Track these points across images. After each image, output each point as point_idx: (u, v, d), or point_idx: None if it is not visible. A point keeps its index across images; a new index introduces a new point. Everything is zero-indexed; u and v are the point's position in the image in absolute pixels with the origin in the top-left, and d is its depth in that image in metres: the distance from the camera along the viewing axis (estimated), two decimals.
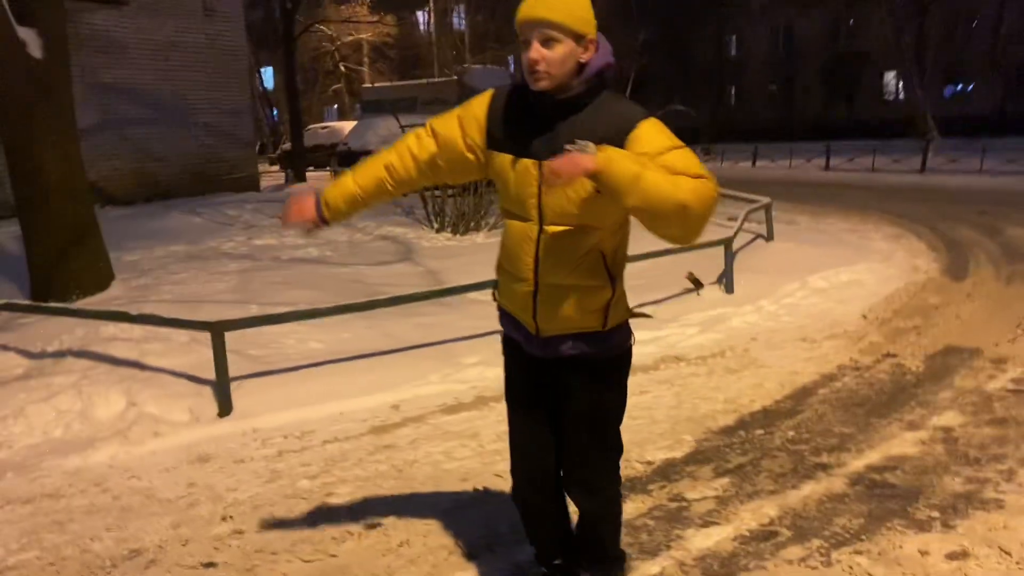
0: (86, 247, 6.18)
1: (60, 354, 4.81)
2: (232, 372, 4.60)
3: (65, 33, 6.10)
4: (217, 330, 4.26)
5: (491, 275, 2.45)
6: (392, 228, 10.81)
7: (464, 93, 21.21)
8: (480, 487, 3.52)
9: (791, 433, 3.99)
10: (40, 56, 5.81)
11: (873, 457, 3.68)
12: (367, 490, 3.52)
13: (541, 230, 2.12)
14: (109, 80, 13.18)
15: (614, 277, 2.20)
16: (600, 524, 2.50)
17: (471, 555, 2.98)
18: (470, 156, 2.23)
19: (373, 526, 3.21)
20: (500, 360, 2.85)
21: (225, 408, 4.28)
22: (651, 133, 2.02)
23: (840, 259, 7.56)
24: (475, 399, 4.58)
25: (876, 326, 5.76)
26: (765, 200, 8.83)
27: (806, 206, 12.61)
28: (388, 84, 26.79)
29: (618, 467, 2.46)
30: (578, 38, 2.02)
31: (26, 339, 5.06)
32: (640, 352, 5.01)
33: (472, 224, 10.81)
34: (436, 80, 24.83)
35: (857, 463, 3.63)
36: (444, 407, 4.46)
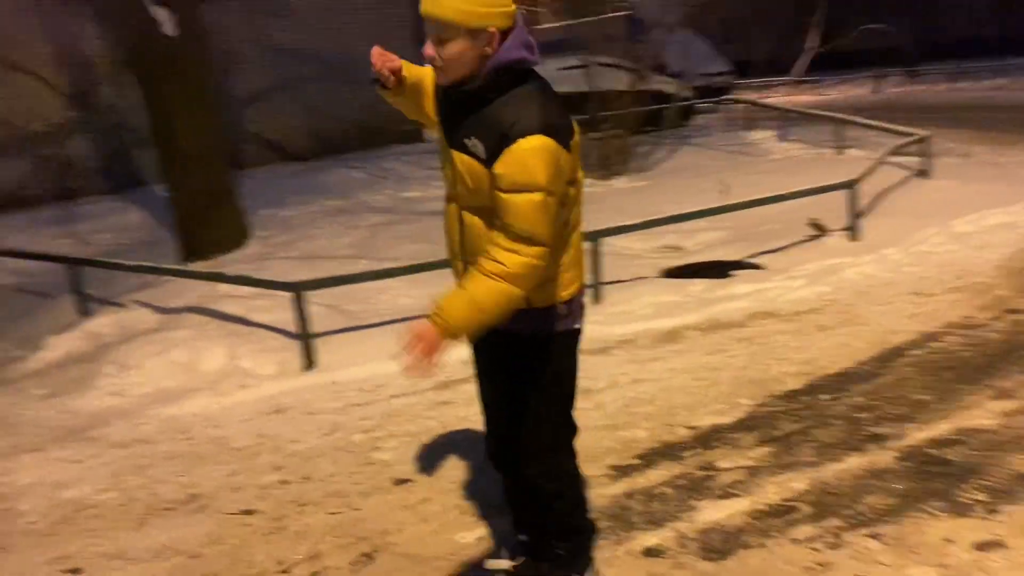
0: (222, 209, 6.75)
1: (183, 310, 5.33)
2: (327, 327, 4.93)
3: (199, 13, 6.57)
4: (297, 290, 4.56)
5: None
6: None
7: (634, 29, 20.64)
8: None
9: (859, 399, 3.73)
10: (173, 34, 6.31)
11: (940, 429, 3.39)
12: (411, 446, 3.69)
13: (460, 212, 2.20)
14: (281, 42, 14.00)
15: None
16: (524, 489, 2.52)
17: (481, 515, 3.08)
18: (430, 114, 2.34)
19: (402, 481, 3.38)
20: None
21: (308, 362, 4.59)
22: (518, 160, 1.96)
23: (1000, 198, 6.78)
24: None
25: (1010, 278, 5.17)
26: (920, 134, 8.03)
27: (992, 134, 11.31)
28: (556, 24, 26.48)
29: (556, 444, 2.43)
30: (474, 34, 1.99)
31: (163, 296, 5.63)
32: (731, 308, 4.94)
33: (615, 169, 10.66)
34: (603, 16, 24.24)
35: (918, 435, 3.36)
36: None
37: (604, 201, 8.78)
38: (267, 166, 13.62)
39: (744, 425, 3.60)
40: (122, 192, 11.38)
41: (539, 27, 26.68)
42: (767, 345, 4.47)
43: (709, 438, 3.52)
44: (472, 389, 4.11)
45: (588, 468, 3.27)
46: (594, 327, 4.68)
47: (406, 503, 3.22)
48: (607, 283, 5.50)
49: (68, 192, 11.46)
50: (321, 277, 4.96)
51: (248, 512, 3.26)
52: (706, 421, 3.67)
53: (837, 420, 3.56)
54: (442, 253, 5.45)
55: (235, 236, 6.84)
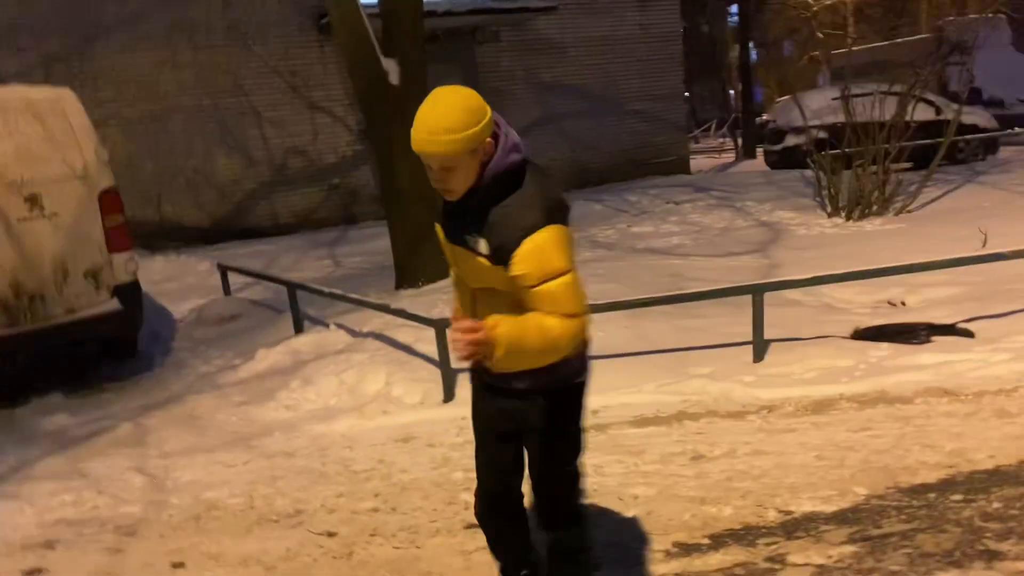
0: (430, 242, 7.22)
1: (368, 335, 5.83)
2: None
3: (424, 62, 7.15)
4: (439, 326, 4.82)
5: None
6: (783, 212, 10.34)
7: (944, 50, 18.74)
8: (593, 504, 3.52)
9: (995, 506, 3.18)
10: (397, 83, 6.94)
11: None
12: None
13: (472, 291, 2.36)
14: (548, 79, 14.66)
15: None
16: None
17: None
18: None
19: (471, 527, 3.46)
20: (728, 373, 4.06)
21: (448, 395, 4.83)
22: (535, 255, 2.10)
23: None
24: (674, 413, 4.45)
25: None
26: None
27: None
28: (861, 47, 24.76)
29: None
30: (472, 152, 2.12)
31: (359, 320, 6.20)
32: (906, 380, 4.45)
33: (872, 208, 9.80)
34: (911, 39, 22.25)
35: None
36: (636, 419, 4.43)
37: (840, 244, 8.18)
38: None
39: (843, 517, 3.23)
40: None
41: (841, 51, 25.21)
42: (924, 428, 3.93)
43: (797, 526, 3.20)
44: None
45: (652, 541, 3.17)
46: (742, 388, 4.48)
47: (463, 549, 3.30)
48: (781, 340, 5.14)
49: (350, 217, 12.92)
50: None
51: (330, 534, 3.54)
52: (805, 507, 3.34)
53: (955, 527, 3.06)
54: (621, 295, 5.60)
55: (441, 268, 7.31)
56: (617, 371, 5.00)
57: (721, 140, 27.76)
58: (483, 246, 2.18)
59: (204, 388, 5.64)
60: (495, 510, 2.62)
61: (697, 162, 22.36)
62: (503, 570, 2.76)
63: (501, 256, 2.14)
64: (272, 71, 12.34)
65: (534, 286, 2.12)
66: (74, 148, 5.45)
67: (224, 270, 7.81)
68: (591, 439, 4.17)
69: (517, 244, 2.11)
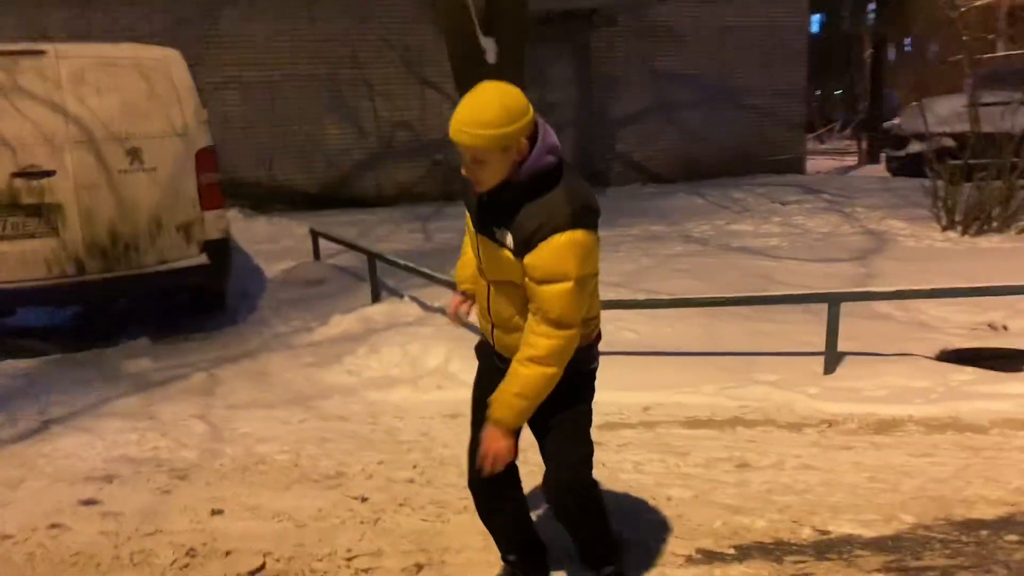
0: None
1: (439, 310, 5.90)
2: None
3: (522, 43, 7.14)
4: None
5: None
6: (895, 222, 9.82)
7: None
8: (625, 502, 3.45)
9: None
10: (493, 62, 6.95)
11: None
12: (535, 477, 3.74)
13: (488, 286, 2.45)
14: (664, 67, 14.36)
15: None
16: (576, 514, 2.67)
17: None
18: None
19: None
20: (794, 383, 4.19)
21: None
22: (552, 254, 2.17)
23: None
24: (729, 418, 4.31)
25: None
26: None
27: None
28: (1010, 53, 23.18)
29: (585, 459, 2.62)
30: (506, 149, 2.15)
31: (433, 295, 6.28)
32: (985, 408, 4.21)
33: (991, 223, 9.18)
34: None
35: None
36: (688, 420, 4.31)
37: (948, 260, 7.73)
38: (628, 186, 14.11)
39: (883, 544, 3.06)
40: None
41: (988, 56, 23.73)
42: (992, 460, 3.67)
43: (830, 548, 3.06)
44: (631, 436, 4.09)
45: (675, 545, 3.09)
46: (805, 399, 4.31)
47: (480, 529, 3.29)
48: (858, 353, 4.91)
49: (448, 194, 13.06)
50: None
51: (363, 499, 3.60)
52: (843, 528, 3.18)
53: (1002, 568, 2.86)
54: (700, 292, 5.51)
55: None
56: (679, 369, 4.89)
57: (848, 142, 26.57)
58: (508, 239, 2.25)
59: (278, 347, 5.84)
60: (488, 487, 2.67)
61: (817, 163, 21.54)
62: (508, 551, 2.81)
63: (521, 250, 2.22)
64: (387, 45, 12.57)
65: (536, 282, 2.23)
66: (175, 106, 5.70)
67: (315, 235, 8.04)
68: (638, 435, 4.13)
69: (540, 240, 2.18)
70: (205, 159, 5.83)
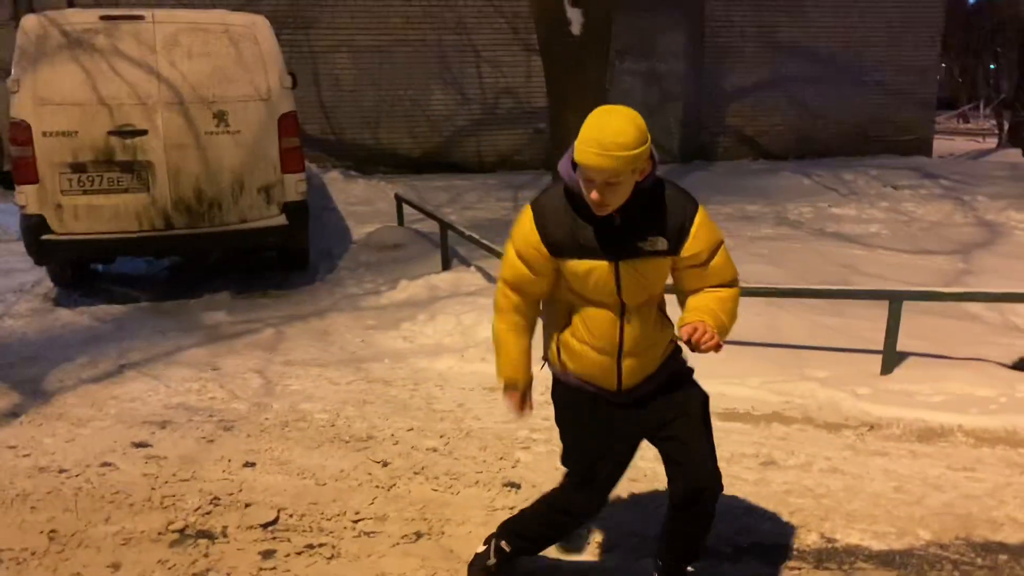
0: None
1: None
2: None
3: (609, 15, 7.00)
4: None
5: None
6: (1015, 214, 9.20)
7: None
8: (633, 493, 3.44)
9: None
10: (578, 33, 6.85)
11: None
12: (554, 456, 3.77)
13: (624, 313, 2.36)
14: (783, 39, 13.79)
15: (668, 316, 2.51)
16: (711, 519, 2.57)
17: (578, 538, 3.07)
18: (548, 276, 2.39)
19: (510, 485, 3.52)
20: (845, 381, 4.18)
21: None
22: (704, 231, 2.30)
23: None
24: (768, 413, 4.19)
25: None
26: None
27: None
28: None
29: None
30: (635, 170, 2.15)
31: (497, 266, 6.33)
32: None
33: None
34: None
35: None
36: (725, 412, 4.21)
37: None
38: (736, 160, 13.72)
39: (889, 558, 2.94)
40: None
41: None
42: None
43: (831, 557, 2.96)
44: None
45: None
46: (852, 400, 4.17)
47: (491, 505, 3.37)
48: (923, 355, 4.67)
49: (549, 163, 13.05)
50: None
51: (384, 464, 3.74)
52: (852, 538, 3.07)
53: None
54: (774, 279, 5.39)
55: None
56: (728, 359, 4.70)
57: (991, 123, 24.82)
58: (661, 243, 2.27)
59: (346, 307, 6.05)
60: (586, 517, 2.70)
61: (951, 144, 20.29)
62: (521, 549, 2.79)
63: (676, 246, 2.28)
64: (496, 11, 12.58)
65: (706, 262, 2.32)
66: (261, 72, 5.93)
67: (400, 201, 8.22)
68: None
69: (691, 225, 2.27)
70: (287, 124, 6.05)
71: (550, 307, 2.52)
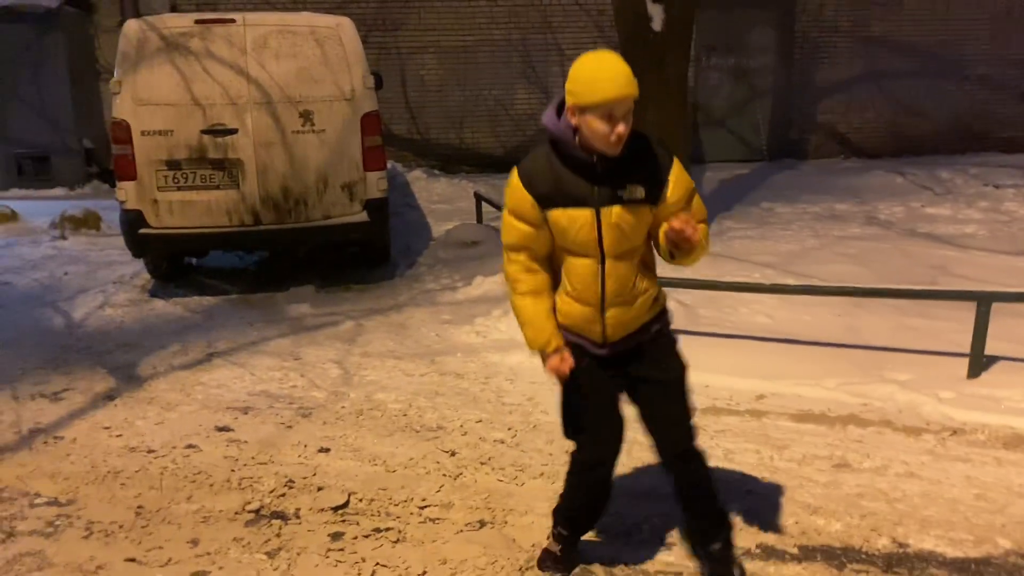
0: None
1: None
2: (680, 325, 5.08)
3: (691, 11, 6.93)
4: None
5: None
6: None
7: None
8: None
9: None
10: (659, 30, 6.81)
11: None
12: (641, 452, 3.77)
13: (603, 264, 2.44)
14: (877, 32, 13.31)
15: (655, 274, 2.57)
16: (710, 482, 2.70)
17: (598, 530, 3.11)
18: (546, 229, 2.46)
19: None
20: (929, 384, 4.13)
21: None
22: (680, 178, 2.40)
23: None
24: (844, 415, 4.08)
25: None
26: None
27: None
28: None
29: None
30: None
31: None
32: None
33: None
34: None
35: None
36: (800, 413, 4.13)
37: None
38: (829, 159, 13.33)
39: (964, 566, 2.84)
40: (687, 166, 12.17)
41: None
42: None
43: (902, 562, 2.88)
44: (730, 422, 3.96)
45: (739, 537, 3.04)
46: (934, 403, 4.06)
47: (555, 496, 3.36)
48: (1016, 359, 4.47)
49: None
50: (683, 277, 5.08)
51: (452, 453, 3.81)
52: (925, 544, 2.98)
53: None
54: (859, 280, 5.32)
55: None
56: (805, 360, 4.68)
57: None
58: (639, 192, 2.35)
59: (423, 302, 6.17)
60: (603, 469, 2.73)
61: None
62: (579, 532, 2.88)
63: (655, 193, 2.36)
64: (580, 9, 12.57)
65: (687, 207, 2.40)
66: (345, 72, 6.10)
67: (479, 199, 8.31)
68: (741, 423, 4.04)
69: (667, 172, 2.37)
70: (370, 123, 6.20)
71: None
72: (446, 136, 12.72)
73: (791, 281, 5.72)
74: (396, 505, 3.38)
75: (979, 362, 4.31)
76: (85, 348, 5.38)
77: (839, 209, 8.96)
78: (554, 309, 2.55)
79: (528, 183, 2.40)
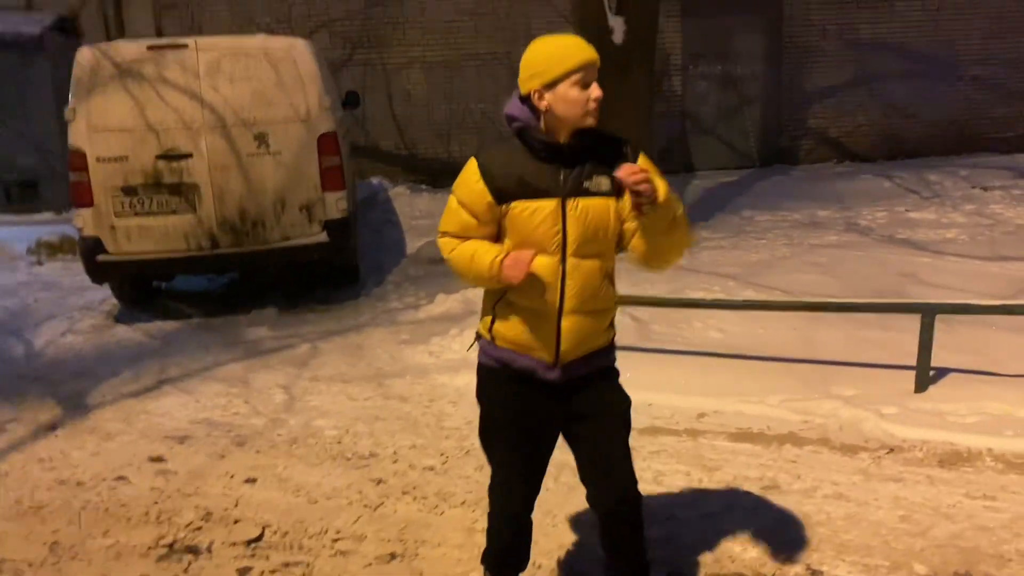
0: None
1: None
2: (624, 340, 5.01)
3: (654, 23, 6.90)
4: None
5: None
6: None
7: None
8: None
9: None
10: (620, 42, 6.77)
11: None
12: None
13: (564, 263, 2.28)
14: (867, 36, 13.17)
15: (615, 292, 2.43)
16: (643, 530, 2.54)
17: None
18: (491, 225, 2.33)
19: None
20: (873, 400, 4.00)
21: None
22: (645, 161, 2.25)
23: None
24: (783, 434, 3.99)
25: None
26: None
27: None
28: None
29: None
30: None
31: None
32: None
33: None
34: None
35: None
36: (738, 432, 4.04)
37: None
38: (821, 164, 13.19)
39: None
40: (676, 174, 12.00)
41: None
42: None
43: None
44: (666, 442, 3.90)
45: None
46: (875, 420, 4.00)
47: (472, 526, 3.32)
48: (969, 372, 4.38)
49: None
50: (647, 296, 5.02)
51: (379, 482, 3.75)
52: (839, 571, 2.89)
53: None
54: (827, 291, 5.18)
55: None
56: (752, 375, 4.60)
57: None
58: (605, 184, 2.25)
59: (384, 322, 6.13)
60: (526, 514, 2.60)
61: None
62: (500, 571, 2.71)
63: (620, 188, 2.22)
64: (565, 21, 12.51)
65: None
66: (300, 94, 6.08)
67: None
68: (677, 444, 3.97)
69: (633, 157, 2.25)
70: (326, 143, 6.18)
71: None
72: (434, 150, 12.71)
73: (750, 292, 5.66)
74: (310, 538, 3.32)
75: (925, 375, 4.20)
76: (39, 377, 5.37)
77: (820, 216, 8.85)
78: (491, 327, 2.41)
79: (487, 174, 2.27)
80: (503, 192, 2.26)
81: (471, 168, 2.30)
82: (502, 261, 2.23)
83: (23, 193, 10.86)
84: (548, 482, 2.69)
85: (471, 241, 2.34)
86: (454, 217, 2.36)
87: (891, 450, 3.74)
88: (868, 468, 3.60)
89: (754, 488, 3.51)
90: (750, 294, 5.59)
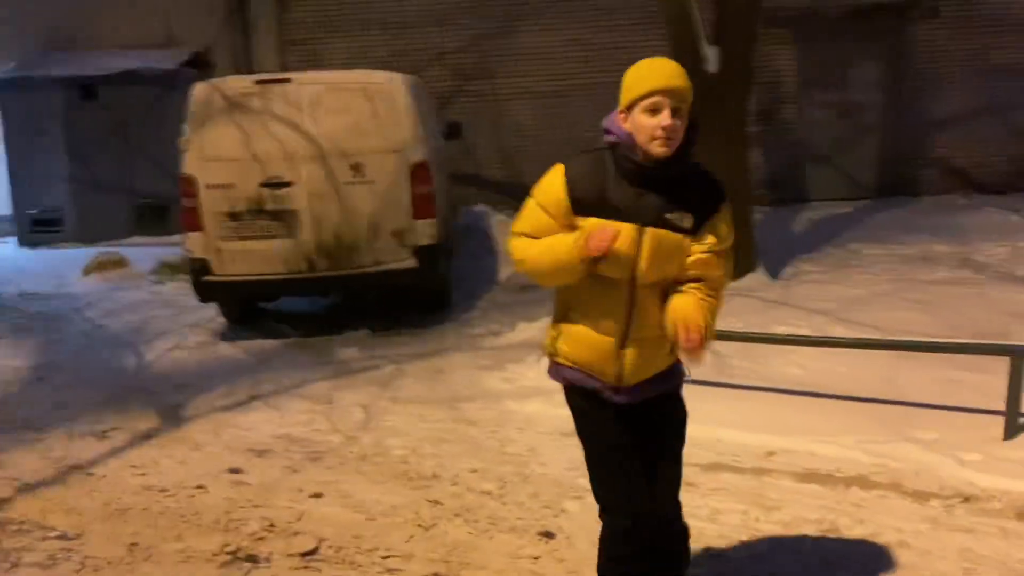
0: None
1: None
2: (702, 375, 4.94)
3: (750, 53, 6.79)
4: None
5: None
6: None
7: None
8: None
9: None
10: (715, 71, 6.71)
11: None
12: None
13: (633, 288, 2.29)
14: (998, 62, 12.49)
15: None
16: (679, 556, 2.58)
17: None
18: (566, 229, 2.31)
19: (541, 533, 3.49)
20: (956, 445, 3.87)
21: None
22: (726, 224, 2.31)
23: None
24: (852, 476, 3.83)
25: None
26: None
27: None
28: None
29: None
30: (687, 111, 2.23)
31: None
32: None
33: None
34: None
35: None
36: (806, 472, 3.90)
37: None
38: (944, 195, 12.53)
39: None
40: (788, 204, 11.71)
41: None
42: None
43: None
44: (730, 480, 3.81)
45: None
46: (954, 466, 3.82)
47: (517, 552, 3.35)
48: None
49: None
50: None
51: (436, 503, 3.83)
52: None
53: None
54: (921, 329, 5.03)
55: (740, 265, 6.95)
56: (828, 414, 4.45)
57: None
58: (687, 220, 2.25)
59: (467, 347, 6.25)
60: (649, 526, 2.46)
61: None
62: None
63: (699, 229, 2.26)
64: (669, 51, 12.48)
65: (719, 252, 2.29)
66: (395, 125, 6.33)
67: None
68: (739, 482, 3.90)
69: (716, 212, 2.28)
70: (419, 173, 6.39)
71: (556, 291, 2.45)
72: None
73: (840, 329, 5.46)
74: (362, 554, 3.43)
75: (1014, 422, 3.94)
76: (144, 389, 5.77)
77: (935, 250, 8.41)
78: (558, 336, 2.43)
79: (571, 181, 2.28)
80: (581, 203, 2.26)
81: (555, 173, 2.33)
82: (583, 246, 2.20)
83: (154, 216, 11.66)
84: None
85: (536, 242, 2.34)
86: (530, 218, 2.36)
87: (966, 499, 3.53)
88: (938, 516, 3.41)
89: (811, 530, 3.39)
90: (839, 331, 5.39)
